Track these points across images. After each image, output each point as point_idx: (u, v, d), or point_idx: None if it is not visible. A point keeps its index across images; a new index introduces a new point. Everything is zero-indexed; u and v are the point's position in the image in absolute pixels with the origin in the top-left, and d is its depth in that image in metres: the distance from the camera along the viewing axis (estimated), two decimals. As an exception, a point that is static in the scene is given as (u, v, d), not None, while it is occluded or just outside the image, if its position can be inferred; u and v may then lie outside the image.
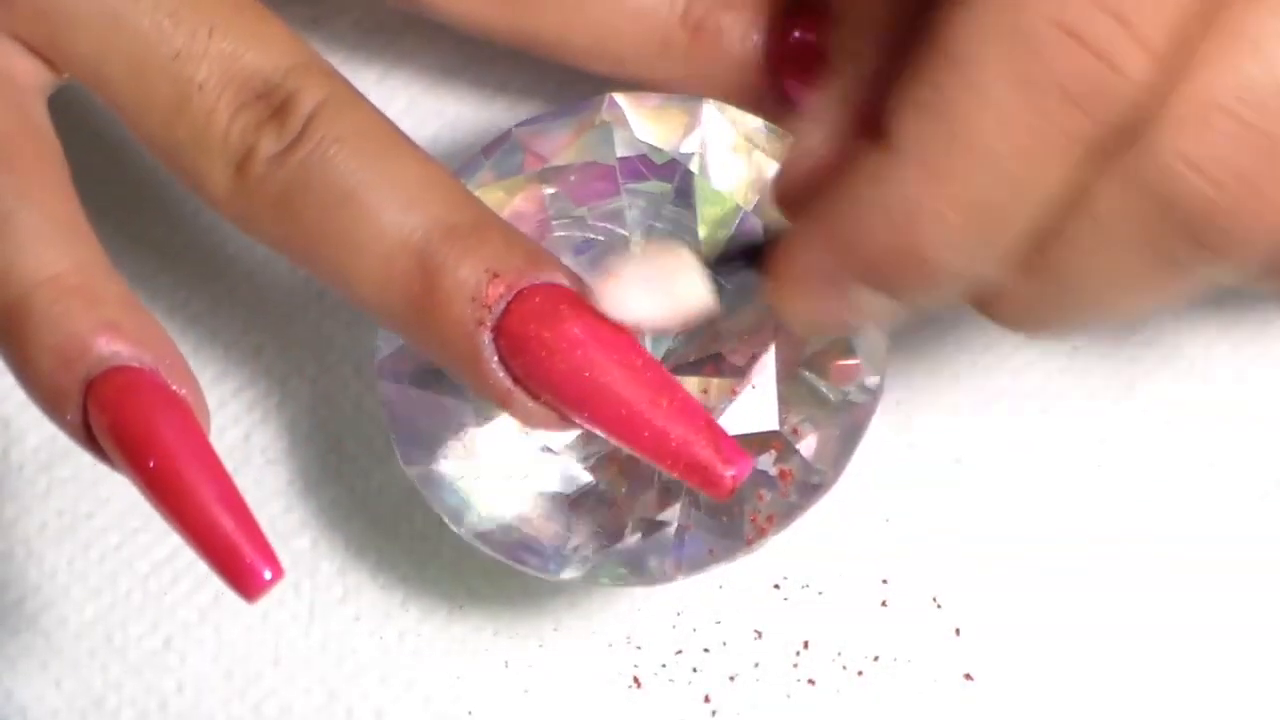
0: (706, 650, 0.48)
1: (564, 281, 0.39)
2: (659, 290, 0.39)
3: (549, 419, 0.39)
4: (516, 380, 0.39)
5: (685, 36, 0.46)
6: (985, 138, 0.34)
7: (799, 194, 0.38)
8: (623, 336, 0.39)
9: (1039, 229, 0.36)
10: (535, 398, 0.39)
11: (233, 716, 0.48)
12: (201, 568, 0.48)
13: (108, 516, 0.49)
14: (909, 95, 0.35)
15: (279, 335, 0.50)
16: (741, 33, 0.46)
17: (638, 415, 0.38)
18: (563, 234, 0.44)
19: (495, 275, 0.38)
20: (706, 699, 0.47)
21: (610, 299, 0.39)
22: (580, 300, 0.39)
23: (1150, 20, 0.33)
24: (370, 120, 0.39)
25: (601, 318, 0.39)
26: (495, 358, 0.39)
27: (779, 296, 0.38)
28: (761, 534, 0.43)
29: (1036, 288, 0.37)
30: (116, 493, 0.49)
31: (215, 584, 0.48)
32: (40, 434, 0.50)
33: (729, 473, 0.38)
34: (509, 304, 0.38)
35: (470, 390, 0.41)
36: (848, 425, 0.44)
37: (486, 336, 0.39)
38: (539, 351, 0.38)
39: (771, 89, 0.46)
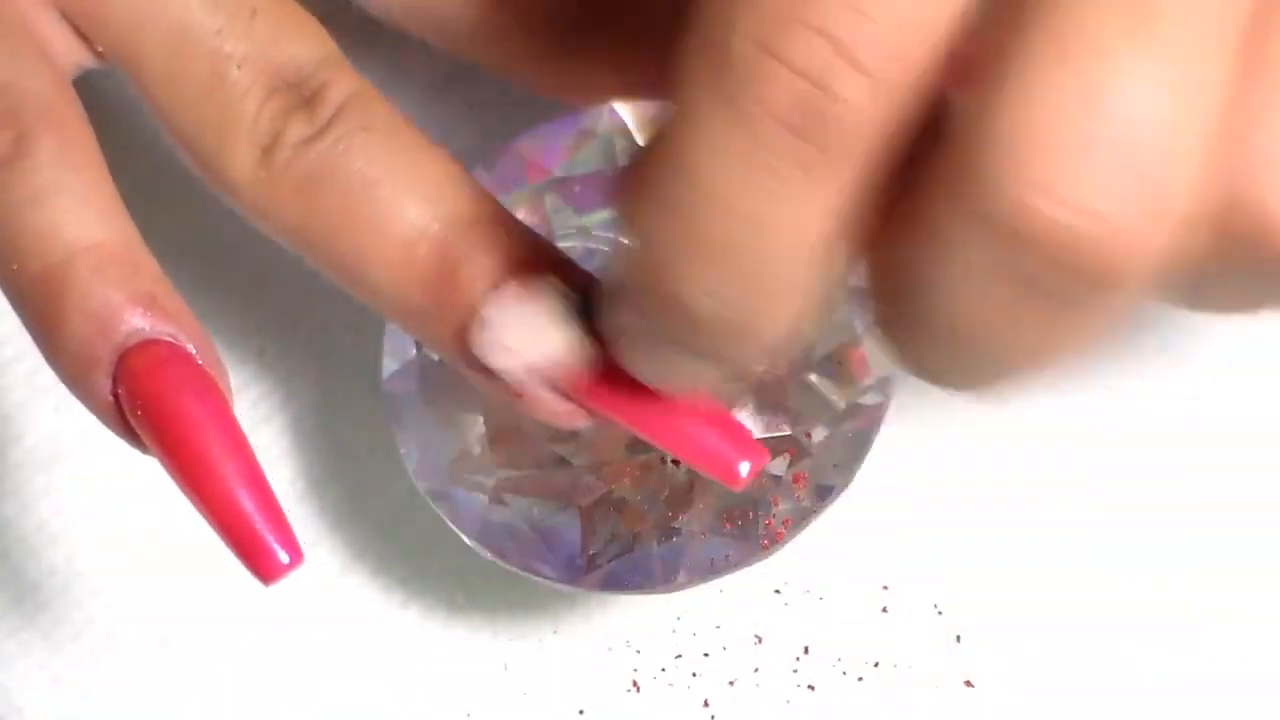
0: (706, 655, 0.48)
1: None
2: (531, 336, 0.38)
3: (561, 408, 0.39)
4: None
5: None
6: (707, 175, 0.31)
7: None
8: None
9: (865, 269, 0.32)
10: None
11: (233, 716, 0.48)
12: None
13: (107, 514, 0.49)
14: (650, 134, 0.32)
15: (282, 337, 0.50)
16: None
17: (653, 404, 0.38)
18: (566, 245, 0.44)
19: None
20: (706, 703, 0.47)
21: (484, 344, 0.38)
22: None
23: (875, 37, 0.29)
24: (395, 117, 0.39)
25: None
26: None
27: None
28: (776, 539, 0.44)
29: (919, 339, 0.33)
30: (115, 491, 0.49)
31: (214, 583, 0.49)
32: (39, 432, 0.49)
33: (743, 464, 0.38)
34: None
35: (481, 385, 0.41)
36: (859, 428, 0.44)
37: None
38: None
39: None
